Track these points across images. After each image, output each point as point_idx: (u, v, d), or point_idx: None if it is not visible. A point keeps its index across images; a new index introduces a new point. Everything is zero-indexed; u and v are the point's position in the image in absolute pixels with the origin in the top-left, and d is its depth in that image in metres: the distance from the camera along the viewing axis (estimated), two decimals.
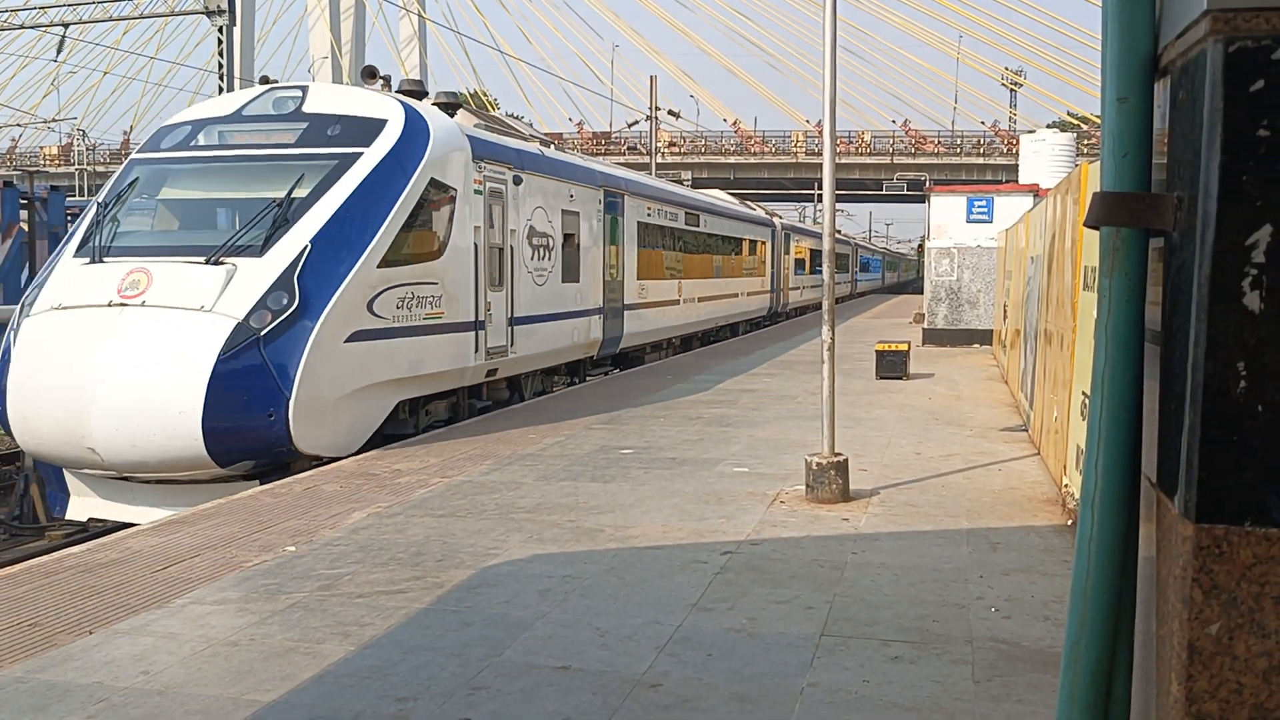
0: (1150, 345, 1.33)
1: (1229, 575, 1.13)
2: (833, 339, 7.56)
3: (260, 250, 9.32)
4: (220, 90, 21.98)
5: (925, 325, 21.91)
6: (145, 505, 9.13)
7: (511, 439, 10.04)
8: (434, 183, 10.69)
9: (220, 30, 22.86)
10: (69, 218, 15.64)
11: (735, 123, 68.91)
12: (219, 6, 22.77)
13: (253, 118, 10.89)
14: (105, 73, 74.39)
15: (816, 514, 6.97)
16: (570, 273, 14.82)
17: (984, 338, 20.70)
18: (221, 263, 9.20)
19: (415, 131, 10.63)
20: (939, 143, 63.97)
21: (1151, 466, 1.30)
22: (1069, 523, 6.68)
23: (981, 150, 62.33)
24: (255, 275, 9.12)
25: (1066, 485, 7.07)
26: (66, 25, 27.55)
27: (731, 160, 65.20)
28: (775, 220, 33.70)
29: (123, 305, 8.97)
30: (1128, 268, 1.31)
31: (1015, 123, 66.28)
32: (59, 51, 28.92)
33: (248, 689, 4.09)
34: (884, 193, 55.91)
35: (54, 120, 63.57)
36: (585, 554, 6.01)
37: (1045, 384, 8.97)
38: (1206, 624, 1.14)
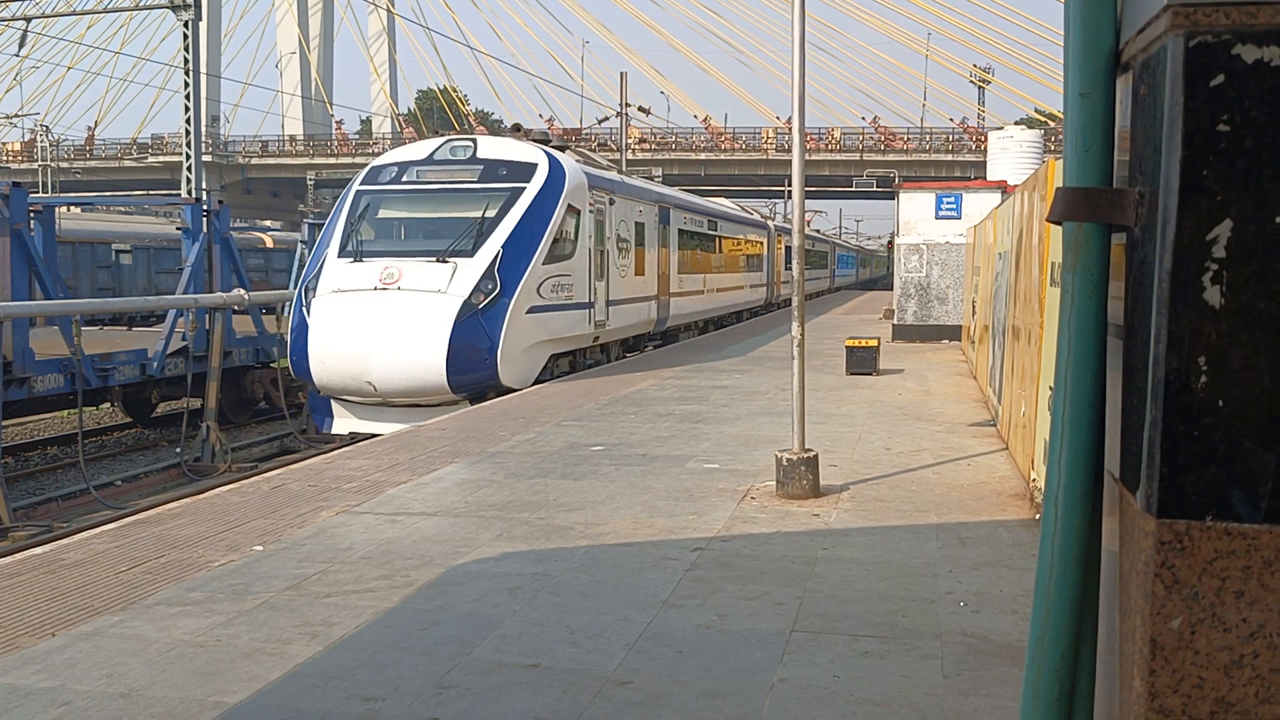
0: (1113, 340, 1.33)
1: (1190, 570, 1.13)
2: (802, 335, 7.58)
3: (471, 252, 13.79)
4: (186, 85, 21.78)
5: (895, 321, 22.01)
6: (389, 422, 13.05)
7: (485, 435, 10.01)
8: (569, 207, 15.17)
9: (186, 25, 22.61)
10: (31, 215, 15.44)
11: (706, 119, 68.96)
12: (184, 1, 22.53)
13: (441, 161, 15.30)
14: (69, 68, 73.56)
15: (787, 510, 6.98)
16: (639, 268, 19.47)
17: (953, 333, 20.82)
18: (447, 260, 13.64)
19: (557, 172, 15.12)
20: (908, 139, 64.26)
21: (1114, 461, 1.30)
22: (1036, 517, 6.72)
23: (950, 147, 62.68)
24: (470, 269, 13.60)
25: (1034, 480, 7.12)
26: (29, 19, 27.17)
27: (702, 157, 65.22)
28: (769, 223, 37.86)
29: (384, 289, 13.38)
30: (1090, 263, 1.31)
31: (984, 120, 66.74)
32: (21, 46, 28.54)
33: (213, 690, 4.04)
34: (854, 189, 56.11)
35: (16, 115, 62.73)
36: (555, 552, 6.00)
37: (1013, 379, 9.02)
38: (1168, 619, 1.14)
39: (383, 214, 14.86)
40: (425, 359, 12.97)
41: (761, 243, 35.20)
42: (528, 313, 14.01)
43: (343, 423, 14.00)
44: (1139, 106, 1.24)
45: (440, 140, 15.91)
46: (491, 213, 14.20)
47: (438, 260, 13.64)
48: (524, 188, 14.57)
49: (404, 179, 15.15)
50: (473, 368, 13.26)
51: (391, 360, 12.97)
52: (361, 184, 15.30)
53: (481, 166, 14.99)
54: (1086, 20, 1.30)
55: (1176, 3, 1.10)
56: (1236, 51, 1.09)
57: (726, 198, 40.72)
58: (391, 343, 13.01)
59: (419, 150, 15.77)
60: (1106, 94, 1.31)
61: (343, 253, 14.22)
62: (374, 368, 12.99)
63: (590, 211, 16.16)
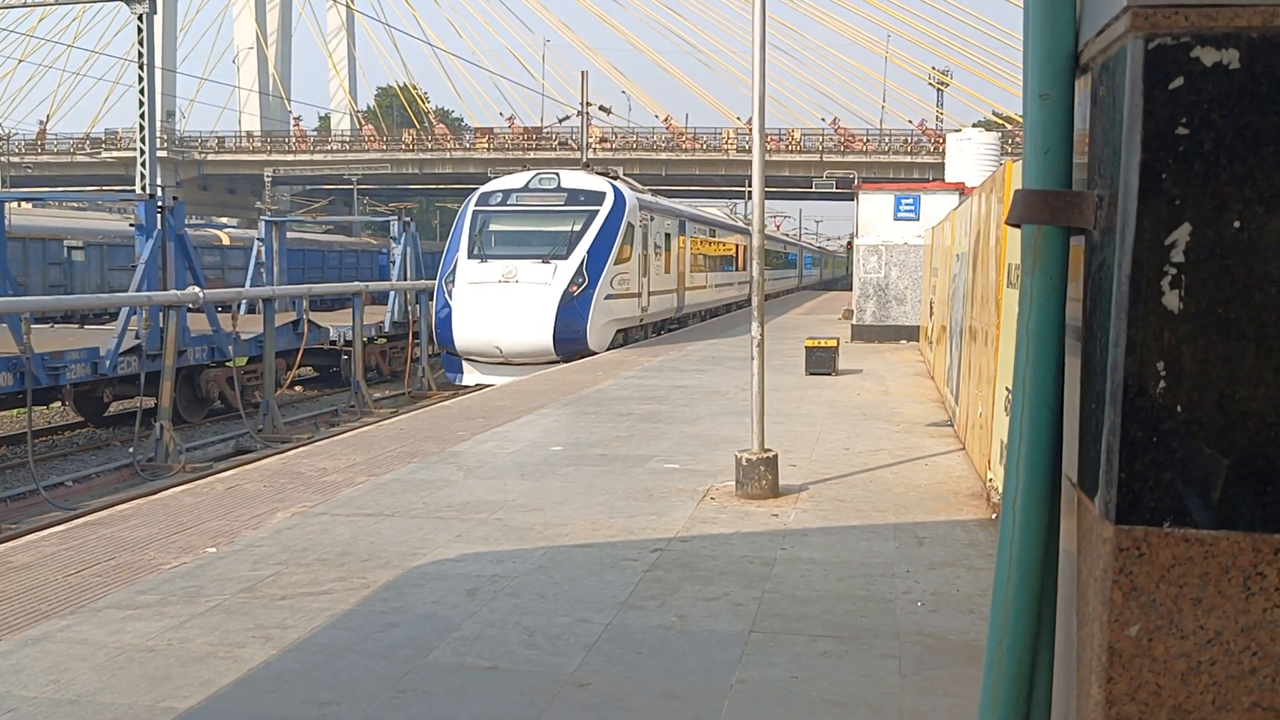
0: (1070, 343, 1.32)
1: (1148, 577, 1.12)
2: (762, 335, 7.58)
3: (566, 256, 19.16)
4: (141, 79, 21.45)
5: (854, 321, 22.12)
6: (504, 376, 17.90)
7: (443, 435, 9.94)
8: (628, 224, 20.50)
9: (140, 18, 22.26)
10: None
11: (667, 119, 68.97)
12: None
13: (535, 189, 20.60)
14: (20, 60, 72.34)
15: (746, 510, 6.98)
16: (667, 269, 24.94)
17: (911, 334, 20.96)
18: (549, 262, 18.98)
19: (620, 197, 20.60)
20: (867, 141, 64.62)
21: (1072, 466, 1.29)
22: (993, 516, 6.77)
23: (909, 149, 63.12)
24: (566, 268, 18.96)
25: (991, 480, 7.17)
26: None
27: (663, 156, 65.20)
28: (750, 229, 42.22)
29: (506, 283, 18.75)
30: (1049, 266, 1.30)
31: (942, 122, 67.25)
32: None
33: (164, 696, 3.97)
34: (813, 190, 56.30)
35: None
36: (514, 553, 5.96)
37: (970, 380, 9.09)
38: (1126, 626, 1.13)
39: (495, 227, 20.06)
40: (538, 332, 18.46)
41: (746, 246, 40.10)
42: (604, 299, 19.47)
43: (470, 376, 19.30)
44: (1098, 109, 1.23)
45: (531, 174, 21.59)
46: (577, 227, 19.71)
47: (542, 261, 18.97)
48: (598, 209, 20.01)
49: (508, 202, 20.45)
50: (571, 338, 18.69)
51: (514, 333, 18.48)
52: (476, 205, 20.62)
53: (565, 194, 20.43)
54: (1046, 21, 1.28)
55: (1136, 5, 1.09)
56: (1195, 54, 1.08)
57: (694, 198, 41.94)
58: (514, 321, 18.47)
59: (517, 181, 21.26)
60: (1066, 96, 1.30)
61: (471, 255, 19.49)
62: (501, 338, 18.57)
63: (639, 226, 21.56)
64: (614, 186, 20.88)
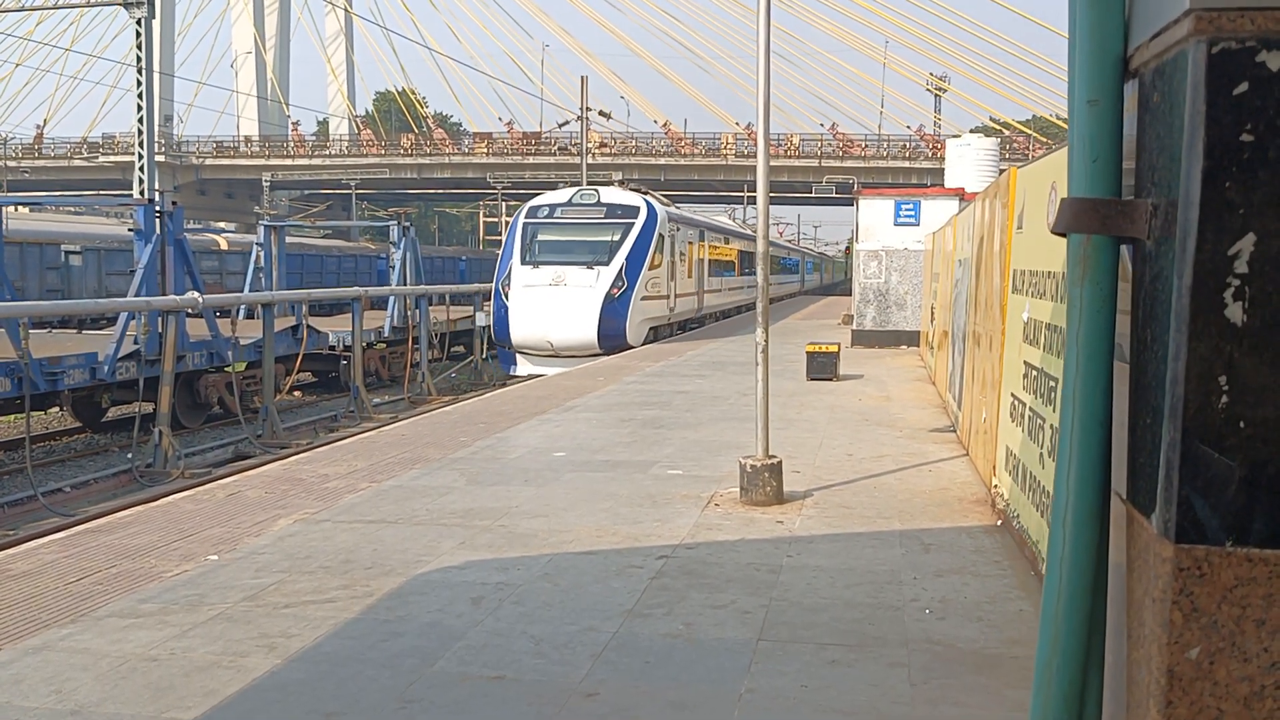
0: (1118, 357, 1.28)
1: (1210, 598, 1.09)
2: (766, 341, 7.54)
3: (607, 262, 21.80)
4: (139, 84, 21.43)
5: (854, 327, 22.08)
6: (554, 367, 19.88)
7: (445, 441, 9.90)
8: (659, 234, 23.12)
9: (139, 23, 22.23)
10: None
11: (666, 124, 69.02)
12: None
13: (578, 204, 23.29)
14: (17, 64, 72.30)
15: (751, 516, 6.94)
16: (690, 273, 27.58)
17: (911, 339, 20.92)
18: (593, 268, 21.64)
19: (652, 211, 23.27)
20: (866, 146, 64.68)
21: (1122, 483, 1.25)
22: (998, 523, 6.74)
23: (907, 154, 63.19)
24: (608, 273, 21.67)
25: (996, 486, 7.14)
26: None
27: (661, 162, 65.23)
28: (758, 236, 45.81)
29: (555, 286, 21.40)
30: (1098, 276, 1.26)
31: (940, 127, 67.32)
32: None
33: (167, 706, 3.93)
34: (813, 195, 56.37)
35: None
36: (518, 560, 5.92)
37: (974, 385, 9.06)
38: (1186, 648, 1.09)
39: (544, 237, 22.73)
40: (584, 329, 21.27)
41: (753, 254, 43.18)
42: (640, 300, 22.15)
43: (523, 368, 21.84)
44: (1151, 115, 1.20)
45: (574, 190, 24.58)
46: (616, 237, 22.43)
47: (587, 267, 21.75)
48: (633, 222, 22.71)
49: (554, 215, 23.15)
50: (612, 334, 21.47)
51: (563, 330, 21.28)
52: (525, 218, 23.41)
53: (605, 208, 23.14)
54: (1094, 26, 1.24)
55: (1200, 8, 1.05)
56: (1261, 58, 1.04)
57: (693, 203, 42.39)
58: (563, 319, 21.24)
59: (561, 196, 24.07)
60: (1115, 102, 1.26)
61: (524, 262, 22.19)
62: (552, 334, 21.38)
63: (669, 236, 24.23)
64: (647, 201, 23.70)
